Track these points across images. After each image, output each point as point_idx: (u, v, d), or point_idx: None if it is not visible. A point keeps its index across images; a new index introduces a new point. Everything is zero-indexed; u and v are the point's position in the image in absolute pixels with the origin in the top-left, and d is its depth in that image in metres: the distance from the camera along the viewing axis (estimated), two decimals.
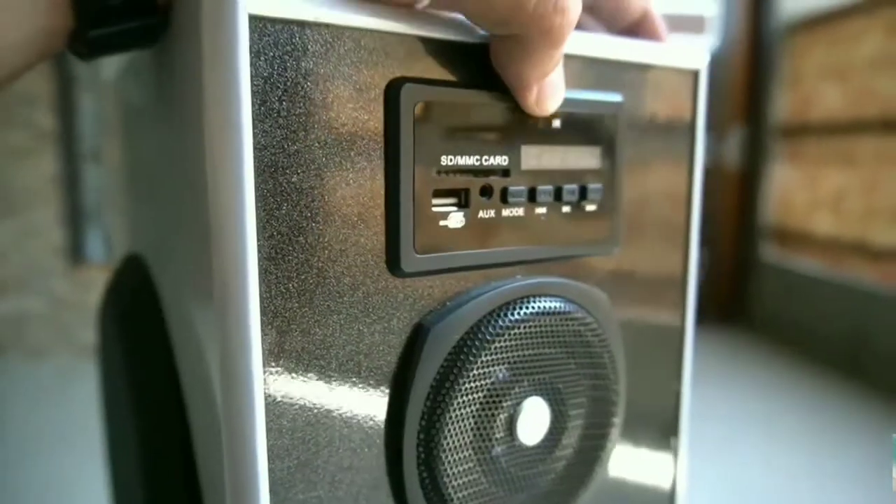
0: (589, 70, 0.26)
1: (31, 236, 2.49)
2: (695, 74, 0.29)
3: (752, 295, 2.94)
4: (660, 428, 0.32)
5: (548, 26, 0.20)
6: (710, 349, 2.68)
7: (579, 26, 0.30)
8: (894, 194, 2.19)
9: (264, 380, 0.20)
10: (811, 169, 2.61)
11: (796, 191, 2.71)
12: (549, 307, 0.25)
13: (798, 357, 2.53)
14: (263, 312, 0.20)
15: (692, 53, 0.29)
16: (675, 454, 0.32)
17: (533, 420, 0.25)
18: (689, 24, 2.96)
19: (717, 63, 2.97)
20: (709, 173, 3.03)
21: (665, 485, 0.32)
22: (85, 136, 2.53)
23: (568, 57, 0.25)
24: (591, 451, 0.27)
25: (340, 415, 0.22)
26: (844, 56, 2.42)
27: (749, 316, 2.95)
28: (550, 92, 0.23)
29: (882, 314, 2.21)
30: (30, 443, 1.79)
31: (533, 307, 0.25)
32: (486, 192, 0.23)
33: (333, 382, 0.21)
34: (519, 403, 0.25)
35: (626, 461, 0.30)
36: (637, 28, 0.30)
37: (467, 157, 0.22)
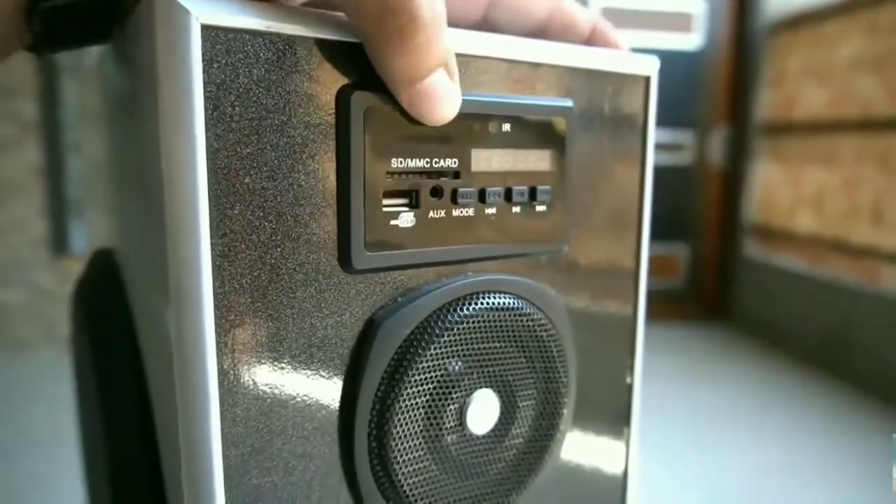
0: (540, 76, 0.27)
1: (14, 227, 2.48)
2: (646, 80, 0.30)
3: (735, 292, 2.98)
4: (613, 417, 0.33)
5: (389, 26, 0.19)
6: (694, 345, 2.72)
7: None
8: (874, 193, 2.23)
9: (218, 371, 0.21)
10: (794, 168, 2.64)
11: (779, 189, 2.74)
12: (499, 303, 0.26)
13: (780, 353, 2.57)
14: (217, 307, 0.21)
15: (643, 60, 0.30)
16: (628, 443, 0.34)
17: (482, 410, 0.26)
18: (674, 22, 2.98)
19: (702, 62, 2.99)
20: (692, 171, 3.06)
21: (617, 472, 0.34)
22: (68, 126, 2.52)
23: (520, 64, 0.26)
24: (541, 441, 0.29)
25: (294, 404, 0.23)
26: (826, 56, 2.45)
27: (732, 312, 2.99)
28: (426, 98, 0.21)
29: (862, 311, 2.25)
30: (12, 437, 1.79)
31: (482, 303, 0.26)
32: (436, 193, 0.24)
33: (287, 374, 0.22)
34: (469, 395, 0.26)
35: (579, 450, 0.32)
36: (590, 44, 0.31)
37: (417, 160, 0.23)
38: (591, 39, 0.30)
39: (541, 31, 0.29)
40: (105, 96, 0.35)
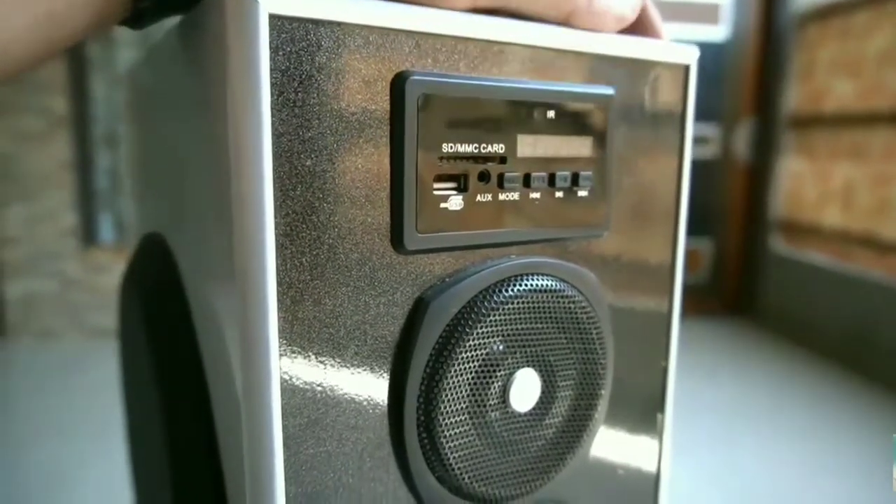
0: (583, 65, 0.28)
1: (44, 219, 2.53)
2: (685, 69, 0.31)
3: (760, 287, 2.95)
4: (646, 404, 0.34)
5: None
6: (718, 340, 2.70)
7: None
8: None
9: (279, 345, 0.22)
10: (821, 162, 2.60)
11: (806, 184, 2.70)
12: (541, 285, 0.27)
13: (804, 349, 2.54)
14: (279, 283, 0.22)
15: (682, 49, 0.31)
16: (661, 431, 0.34)
17: (525, 389, 0.27)
18: (701, 13, 2.95)
19: (728, 54, 2.96)
20: (718, 165, 3.03)
21: (650, 462, 0.34)
22: (98, 120, 2.56)
23: (564, 53, 0.27)
24: (580, 420, 0.30)
25: (348, 378, 0.24)
26: (856, 49, 2.41)
27: (757, 308, 2.96)
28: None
29: (888, 307, 2.21)
30: (39, 424, 1.83)
31: (526, 285, 0.27)
32: (483, 177, 0.25)
33: (341, 349, 0.23)
34: (512, 373, 0.27)
35: (614, 438, 0.32)
36: (636, 22, 0.31)
37: (467, 145, 0.24)
38: (639, 19, 0.30)
39: None
40: (152, 87, 0.36)
